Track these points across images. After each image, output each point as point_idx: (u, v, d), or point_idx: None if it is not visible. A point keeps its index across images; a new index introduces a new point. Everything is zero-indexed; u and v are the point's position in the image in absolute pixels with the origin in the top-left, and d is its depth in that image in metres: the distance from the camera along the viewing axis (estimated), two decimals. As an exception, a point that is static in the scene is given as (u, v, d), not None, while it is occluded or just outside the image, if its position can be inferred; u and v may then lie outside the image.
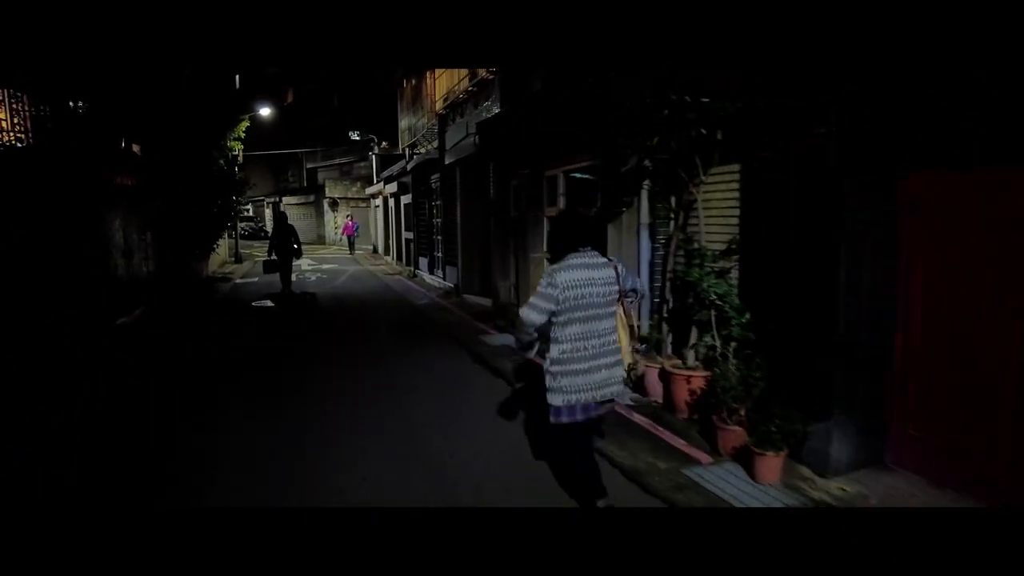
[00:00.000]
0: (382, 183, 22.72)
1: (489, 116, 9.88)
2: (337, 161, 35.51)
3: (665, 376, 4.92)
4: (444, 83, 14.57)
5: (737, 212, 4.66)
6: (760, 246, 4.42)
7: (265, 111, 22.29)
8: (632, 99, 4.61)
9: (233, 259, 21.11)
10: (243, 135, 17.69)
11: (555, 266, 3.14)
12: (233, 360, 7.24)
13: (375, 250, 26.25)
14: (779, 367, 4.09)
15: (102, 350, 7.52)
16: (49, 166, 7.40)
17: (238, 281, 15.79)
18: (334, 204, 33.91)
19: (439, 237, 14.69)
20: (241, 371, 6.69)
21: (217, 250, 17.38)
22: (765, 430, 3.72)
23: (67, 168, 7.61)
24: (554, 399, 3.15)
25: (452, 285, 13.12)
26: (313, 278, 16.48)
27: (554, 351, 3.15)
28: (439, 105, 14.83)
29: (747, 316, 4.31)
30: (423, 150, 16.49)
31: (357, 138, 25.68)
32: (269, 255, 12.26)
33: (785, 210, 4.09)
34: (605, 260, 3.20)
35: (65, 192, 7.55)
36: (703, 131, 4.37)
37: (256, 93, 23.14)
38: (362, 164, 31.88)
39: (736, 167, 4.61)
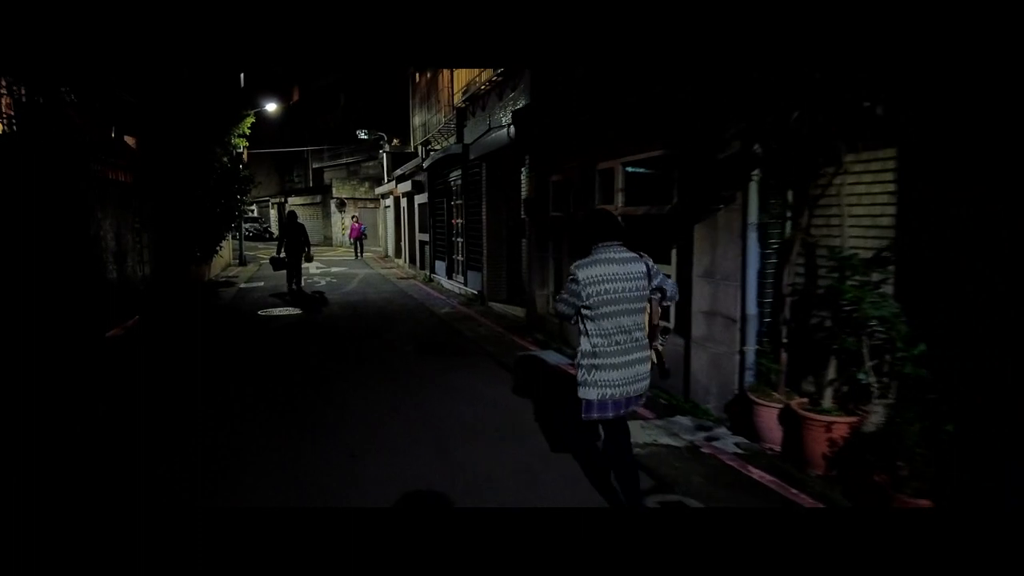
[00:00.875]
0: (394, 182, 21.62)
1: (526, 104, 8.83)
2: (344, 160, 34.50)
3: (792, 419, 3.85)
4: (464, 75, 13.59)
5: (892, 210, 3.61)
6: (934, 255, 3.37)
7: (271, 107, 21.35)
8: (772, 61, 3.53)
9: (237, 262, 20.07)
10: (248, 131, 16.68)
11: (578, 262, 3.12)
12: (234, 388, 6.20)
13: (385, 253, 25.18)
14: (965, 418, 3.05)
15: (93, 363, 6.64)
16: (23, 154, 6.39)
17: (243, 286, 14.76)
18: (341, 204, 32.84)
19: (460, 239, 13.60)
20: (244, 405, 5.65)
21: (220, 252, 16.37)
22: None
23: (45, 158, 6.60)
24: (588, 393, 3.09)
25: (476, 292, 12.07)
26: (323, 282, 15.43)
27: (585, 345, 3.12)
28: (458, 98, 13.86)
29: (921, 347, 3.26)
30: (438, 147, 15.48)
31: (365, 136, 24.49)
32: (278, 253, 12.19)
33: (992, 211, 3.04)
34: (634, 255, 3.13)
35: (41, 184, 6.53)
36: (866, 104, 3.30)
37: (261, 89, 22.16)
38: (370, 163, 30.87)
39: (891, 152, 3.57)
